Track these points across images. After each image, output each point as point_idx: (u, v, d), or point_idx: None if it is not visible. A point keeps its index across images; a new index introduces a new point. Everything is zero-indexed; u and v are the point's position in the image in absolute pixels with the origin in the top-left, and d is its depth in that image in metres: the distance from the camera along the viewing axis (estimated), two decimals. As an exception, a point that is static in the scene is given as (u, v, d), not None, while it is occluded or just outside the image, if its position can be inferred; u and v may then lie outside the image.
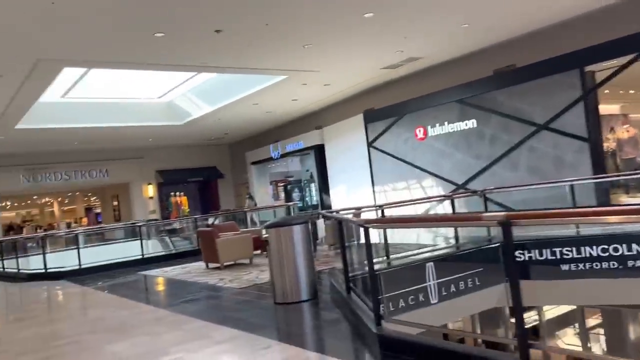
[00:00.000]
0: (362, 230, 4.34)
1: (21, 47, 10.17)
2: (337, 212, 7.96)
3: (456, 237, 7.95)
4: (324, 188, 20.86)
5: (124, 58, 11.74)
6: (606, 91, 12.32)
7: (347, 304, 5.40)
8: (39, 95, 14.99)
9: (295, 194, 23.99)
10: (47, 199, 38.10)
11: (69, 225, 31.91)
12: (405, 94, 16.25)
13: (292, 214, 16.04)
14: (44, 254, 12.31)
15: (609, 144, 12.37)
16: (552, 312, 11.12)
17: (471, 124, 14.12)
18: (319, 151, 20.74)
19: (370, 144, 17.41)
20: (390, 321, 4.16)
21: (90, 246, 16.85)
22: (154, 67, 13.68)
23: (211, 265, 10.53)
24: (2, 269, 14.32)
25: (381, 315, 4.14)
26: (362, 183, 17.97)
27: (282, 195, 25.46)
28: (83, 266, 12.24)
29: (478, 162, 14.01)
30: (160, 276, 10.09)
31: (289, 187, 24.27)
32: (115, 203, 28.63)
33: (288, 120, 22.44)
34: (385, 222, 4.72)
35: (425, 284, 7.08)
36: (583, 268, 7.90)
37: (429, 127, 15.28)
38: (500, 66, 13.86)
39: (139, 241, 20.57)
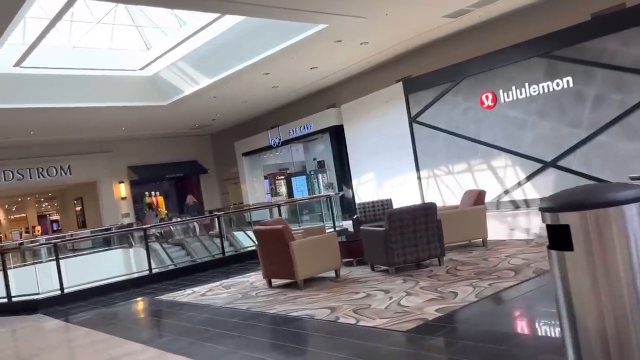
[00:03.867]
0: None
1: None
2: None
3: None
4: (342, 178, 17.47)
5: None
6: None
7: None
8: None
9: (299, 188, 20.50)
10: (-9, 207, 32.82)
11: (21, 235, 27.10)
12: (457, 54, 13.09)
13: (334, 207, 12.55)
14: (5, 274, 8.29)
15: None
16: None
17: (565, 83, 11.06)
18: (336, 134, 17.33)
19: (413, 119, 14.16)
20: None
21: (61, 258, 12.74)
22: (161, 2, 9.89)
23: (276, 281, 6.98)
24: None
25: None
26: (402, 168, 14.67)
27: (282, 190, 21.92)
28: (66, 290, 8.37)
29: (575, 132, 10.95)
30: (202, 304, 6.37)
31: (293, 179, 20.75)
32: (79, 208, 24.17)
33: (294, 100, 18.87)
34: None
35: None
36: None
37: (500, 92, 12.13)
38: (602, 8, 10.94)
39: (123, 250, 16.64)
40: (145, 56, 15.13)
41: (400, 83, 14.31)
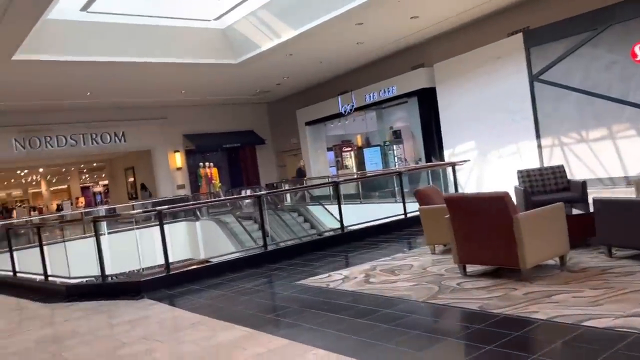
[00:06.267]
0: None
1: None
2: None
3: None
4: (431, 147, 15.50)
5: None
6: None
7: None
8: (50, 2, 9.22)
9: (373, 161, 18.59)
10: (33, 177, 31.89)
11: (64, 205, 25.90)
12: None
13: (456, 178, 10.65)
14: (99, 248, 6.58)
15: None
16: None
17: None
18: (425, 97, 15.30)
19: (535, 77, 12.06)
20: None
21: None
22: None
23: (472, 268, 5.16)
24: (11, 274, 8.50)
25: None
26: (515, 135, 12.61)
27: (350, 162, 20.05)
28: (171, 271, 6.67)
29: None
30: (388, 297, 4.52)
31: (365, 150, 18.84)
32: (131, 179, 22.73)
33: (372, 61, 16.87)
34: None
35: None
36: None
37: (661, 41, 9.99)
38: None
39: (188, 223, 15.01)
40: (220, 4, 13.26)
41: (519, 35, 12.18)
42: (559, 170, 7.39)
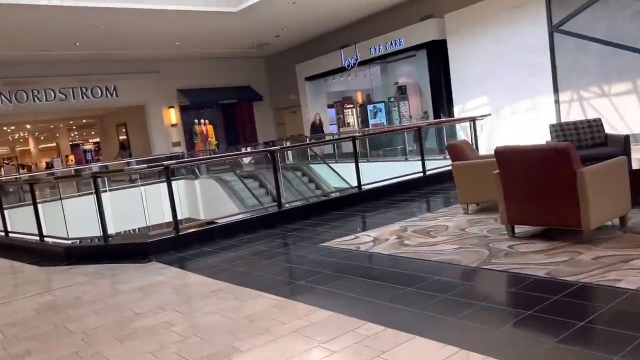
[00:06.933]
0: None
1: None
2: None
3: None
4: (439, 104, 14.85)
5: None
6: None
7: None
8: None
9: (377, 118, 17.91)
10: (21, 134, 30.87)
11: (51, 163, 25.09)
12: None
13: (477, 134, 10.04)
14: (99, 204, 5.93)
15: None
16: None
17: None
18: (435, 50, 14.53)
19: (555, 28, 11.35)
20: None
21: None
22: None
23: (519, 229, 4.65)
24: (2, 234, 7.91)
25: None
26: (531, 90, 11.98)
27: (351, 120, 19.36)
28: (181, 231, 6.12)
29: None
30: (434, 262, 3.98)
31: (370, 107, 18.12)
32: (122, 136, 21.89)
33: (377, 11, 15.98)
34: None
35: None
36: None
37: (696, -12, 9.29)
38: None
39: (187, 182, 14.38)
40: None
41: (540, -18, 11.38)
42: (596, 124, 6.83)
